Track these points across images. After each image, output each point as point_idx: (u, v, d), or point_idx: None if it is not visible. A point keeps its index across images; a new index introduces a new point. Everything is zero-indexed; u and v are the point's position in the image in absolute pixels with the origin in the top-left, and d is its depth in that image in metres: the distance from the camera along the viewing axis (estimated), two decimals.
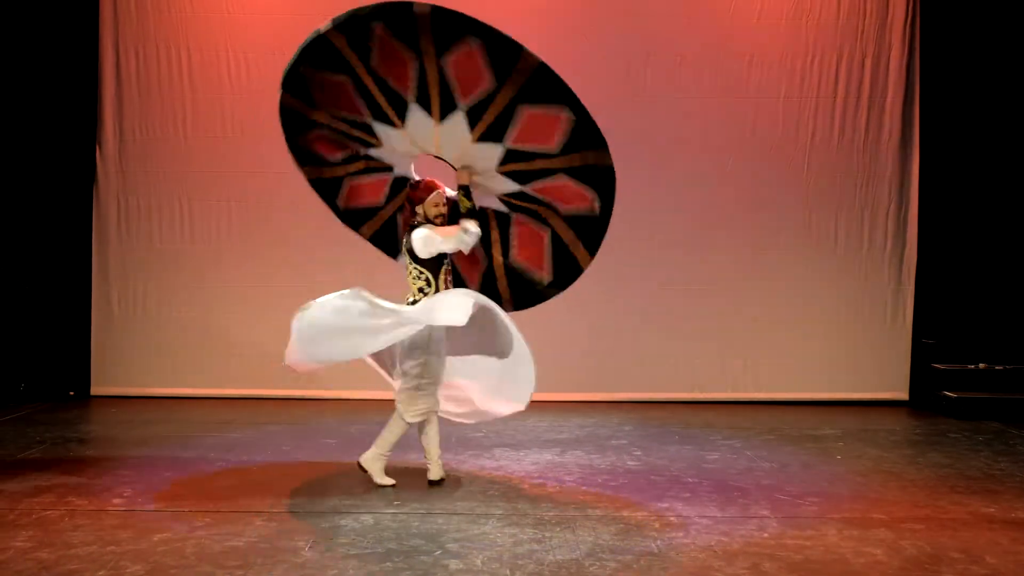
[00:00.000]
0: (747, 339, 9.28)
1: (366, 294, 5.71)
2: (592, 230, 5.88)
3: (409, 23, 5.28)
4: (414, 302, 5.75)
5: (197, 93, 9.22)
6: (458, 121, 5.64)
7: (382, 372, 6.22)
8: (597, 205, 5.76)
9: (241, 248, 9.28)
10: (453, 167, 5.98)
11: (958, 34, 9.21)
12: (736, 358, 9.29)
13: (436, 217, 5.78)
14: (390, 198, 6.21)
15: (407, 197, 5.92)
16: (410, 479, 6.09)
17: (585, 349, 9.02)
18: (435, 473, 5.99)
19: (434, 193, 5.79)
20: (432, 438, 6.00)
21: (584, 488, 5.95)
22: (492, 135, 5.65)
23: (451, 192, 5.90)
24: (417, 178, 5.99)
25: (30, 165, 9.19)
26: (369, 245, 9.50)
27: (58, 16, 9.17)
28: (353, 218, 6.30)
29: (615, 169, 5.71)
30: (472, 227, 5.74)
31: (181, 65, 9.21)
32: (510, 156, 5.73)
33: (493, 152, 5.72)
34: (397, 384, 5.99)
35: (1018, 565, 4.56)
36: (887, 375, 9.30)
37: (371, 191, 6.19)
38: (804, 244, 9.30)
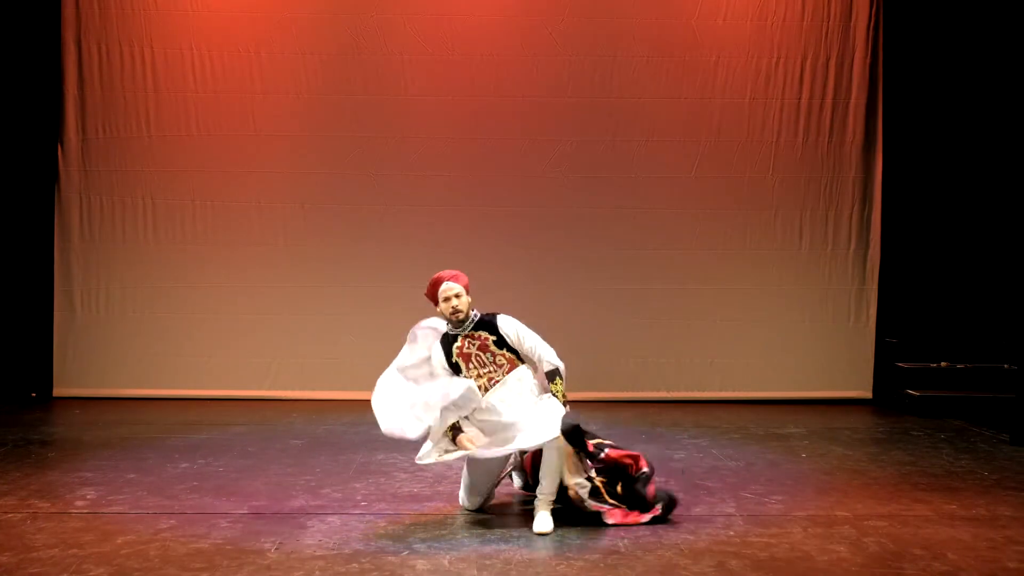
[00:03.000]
0: (713, 339, 9.32)
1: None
2: None
3: None
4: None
5: (160, 91, 9.12)
6: None
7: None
8: None
9: (205, 248, 9.19)
10: None
11: (921, 36, 9.30)
12: (702, 358, 9.33)
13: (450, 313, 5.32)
14: None
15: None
16: (376, 480, 6.06)
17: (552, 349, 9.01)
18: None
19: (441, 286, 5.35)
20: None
21: None
22: None
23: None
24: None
25: None
26: (333, 249, 9.57)
27: (18, 11, 9.03)
28: None
29: None
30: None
31: (144, 62, 9.11)
32: None
33: None
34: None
35: (979, 561, 4.60)
36: (851, 374, 9.38)
37: None
38: (769, 245, 9.35)
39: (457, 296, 5.30)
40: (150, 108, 9.12)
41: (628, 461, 5.32)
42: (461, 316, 5.32)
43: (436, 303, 5.37)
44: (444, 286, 5.32)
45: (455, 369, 5.33)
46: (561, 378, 5.30)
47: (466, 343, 5.33)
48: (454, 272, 5.40)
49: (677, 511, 5.32)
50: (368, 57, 9.18)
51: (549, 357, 5.35)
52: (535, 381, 5.34)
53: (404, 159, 9.21)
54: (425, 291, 5.43)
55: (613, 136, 9.26)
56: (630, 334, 9.32)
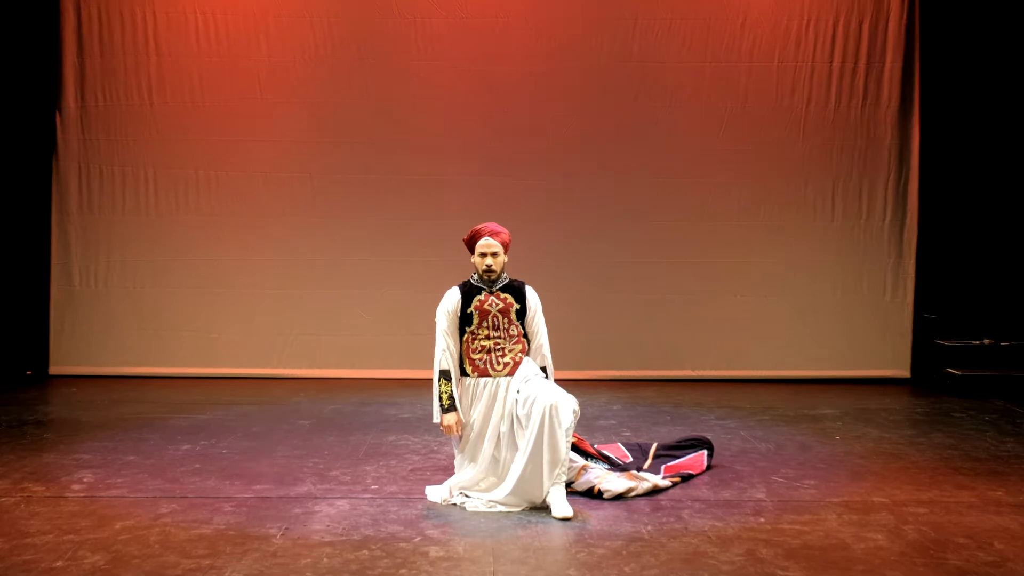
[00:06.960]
0: (740, 315, 9.19)
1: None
2: None
3: None
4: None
5: (163, 57, 9.07)
6: None
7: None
8: None
9: (209, 220, 9.14)
10: None
11: None
12: (729, 334, 9.20)
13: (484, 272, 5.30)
14: None
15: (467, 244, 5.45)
16: (389, 462, 5.98)
17: (573, 326, 8.84)
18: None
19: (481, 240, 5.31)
20: None
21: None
22: None
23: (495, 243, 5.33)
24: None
25: None
26: (342, 222, 9.35)
27: None
28: None
29: None
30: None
31: (147, 28, 9.05)
32: None
33: None
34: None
35: None
36: (887, 352, 9.26)
37: None
38: (800, 216, 9.22)
39: (494, 255, 5.30)
40: (152, 75, 9.07)
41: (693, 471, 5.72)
42: (493, 276, 5.30)
43: (471, 252, 5.35)
44: (484, 241, 5.31)
45: (466, 320, 5.26)
46: (548, 377, 5.35)
47: (489, 299, 5.30)
48: (497, 228, 5.37)
49: (704, 497, 5.25)
50: (378, 23, 9.19)
51: (548, 352, 5.41)
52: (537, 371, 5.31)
53: (416, 128, 9.13)
54: (464, 237, 5.40)
55: (634, 103, 9.15)
56: (652, 310, 9.28)
